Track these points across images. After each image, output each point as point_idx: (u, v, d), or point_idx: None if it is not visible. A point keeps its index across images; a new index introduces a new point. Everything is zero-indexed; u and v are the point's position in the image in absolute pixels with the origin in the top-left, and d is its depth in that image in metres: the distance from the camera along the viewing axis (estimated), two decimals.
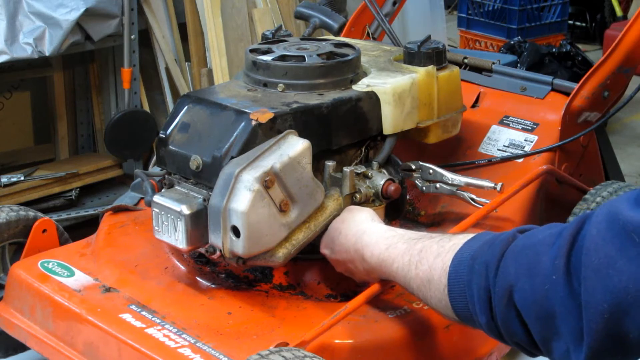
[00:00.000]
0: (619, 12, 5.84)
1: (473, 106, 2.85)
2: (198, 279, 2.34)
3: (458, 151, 2.78)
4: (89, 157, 3.90)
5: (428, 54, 2.49)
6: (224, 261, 2.24)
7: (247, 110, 2.18)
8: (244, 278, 2.36)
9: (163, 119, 3.81)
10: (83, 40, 3.49)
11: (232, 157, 2.12)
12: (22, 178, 3.49)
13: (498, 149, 2.73)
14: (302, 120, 2.23)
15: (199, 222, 2.14)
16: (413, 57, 2.50)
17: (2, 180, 3.44)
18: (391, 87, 2.38)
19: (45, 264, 2.42)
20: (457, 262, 1.68)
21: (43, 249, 2.51)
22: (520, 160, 2.67)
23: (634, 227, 1.28)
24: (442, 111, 2.52)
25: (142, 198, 2.66)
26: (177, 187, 2.26)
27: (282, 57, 2.40)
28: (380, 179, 2.29)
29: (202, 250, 2.20)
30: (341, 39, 2.82)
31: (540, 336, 1.47)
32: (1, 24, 3.25)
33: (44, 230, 2.53)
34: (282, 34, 2.70)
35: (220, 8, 3.91)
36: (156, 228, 2.22)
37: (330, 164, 2.26)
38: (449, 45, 4.74)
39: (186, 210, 2.13)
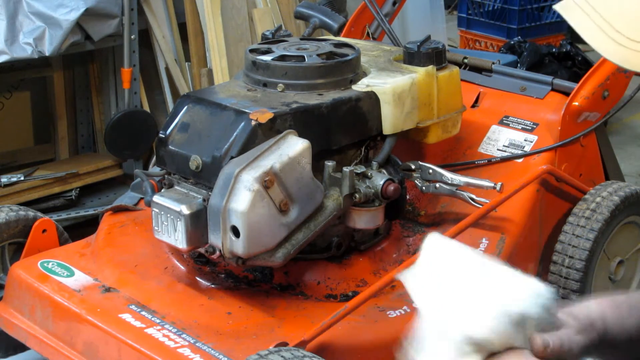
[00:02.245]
0: None
1: (473, 106, 2.85)
2: (198, 279, 2.34)
3: (458, 151, 2.78)
4: (89, 157, 3.90)
5: (428, 54, 2.48)
6: (223, 261, 2.24)
7: (246, 110, 2.18)
8: (243, 278, 2.36)
9: (163, 119, 3.81)
10: (83, 40, 3.49)
11: (232, 157, 2.12)
12: (22, 178, 3.49)
13: (498, 149, 2.73)
14: (302, 120, 2.23)
15: (198, 222, 2.14)
16: (413, 57, 2.50)
17: (2, 180, 3.44)
18: (391, 87, 2.38)
19: (45, 264, 2.42)
20: None
21: (43, 249, 2.51)
22: (520, 160, 2.67)
23: None
24: (442, 111, 2.51)
25: (142, 198, 2.66)
26: (176, 187, 2.26)
27: (282, 57, 2.39)
28: (380, 179, 2.29)
29: (201, 250, 2.20)
30: (341, 39, 2.82)
31: None
32: (1, 24, 3.24)
33: (44, 230, 2.53)
34: (282, 34, 2.69)
35: (220, 8, 3.91)
36: (156, 228, 2.22)
37: (329, 164, 2.26)
38: (449, 45, 4.74)
39: (186, 210, 2.13)
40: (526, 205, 2.55)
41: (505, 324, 1.06)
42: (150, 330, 2.13)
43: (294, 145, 2.12)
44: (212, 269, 2.38)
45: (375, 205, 2.29)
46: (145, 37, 3.86)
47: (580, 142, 2.73)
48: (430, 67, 2.48)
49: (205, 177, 2.18)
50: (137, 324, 2.15)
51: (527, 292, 1.09)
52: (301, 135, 2.16)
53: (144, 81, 3.85)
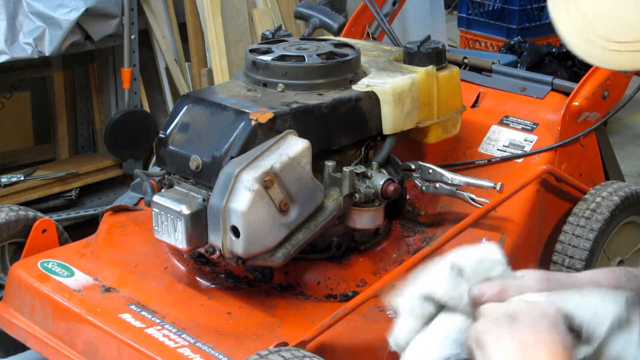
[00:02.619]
0: None
1: (473, 106, 2.85)
2: (198, 279, 2.34)
3: (458, 151, 2.78)
4: (89, 157, 3.90)
5: (428, 54, 2.48)
6: (223, 261, 2.24)
7: (246, 110, 2.18)
8: (243, 278, 2.36)
9: (163, 119, 3.81)
10: (83, 40, 3.49)
11: (232, 157, 2.12)
12: (22, 178, 3.49)
13: (498, 149, 2.73)
14: (302, 120, 2.23)
15: (198, 222, 2.14)
16: (413, 57, 2.50)
17: (2, 180, 3.44)
18: (391, 87, 2.38)
19: (45, 264, 2.42)
20: None
21: (43, 249, 2.51)
22: (520, 160, 2.67)
23: None
24: (442, 111, 2.51)
25: (142, 198, 2.66)
26: (176, 187, 2.26)
27: (282, 57, 2.39)
28: (380, 179, 2.29)
29: (201, 250, 2.20)
30: (341, 39, 2.82)
31: None
32: (1, 24, 3.25)
33: (44, 230, 2.53)
34: (282, 34, 2.69)
35: (220, 8, 3.91)
36: (156, 228, 2.22)
37: (329, 164, 2.26)
38: (449, 45, 4.74)
39: (186, 210, 2.13)
40: (526, 205, 2.55)
41: (448, 275, 1.13)
42: (150, 330, 2.13)
43: (294, 145, 2.12)
44: (212, 269, 2.38)
45: (375, 205, 2.29)
46: (145, 37, 3.86)
47: (580, 142, 2.73)
48: (430, 67, 2.48)
49: (205, 177, 2.18)
50: (137, 324, 2.15)
51: (469, 251, 1.16)
52: (301, 135, 2.16)
53: (144, 81, 3.85)
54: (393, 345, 1.17)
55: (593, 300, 1.10)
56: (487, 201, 2.42)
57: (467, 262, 1.15)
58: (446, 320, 1.14)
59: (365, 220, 2.31)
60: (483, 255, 1.16)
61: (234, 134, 2.15)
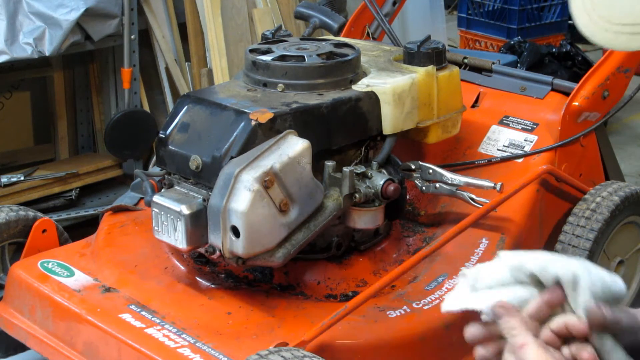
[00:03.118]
0: None
1: (473, 106, 2.85)
2: (198, 279, 2.34)
3: (458, 151, 2.78)
4: (89, 157, 3.90)
5: (428, 54, 2.48)
6: (223, 261, 2.24)
7: (246, 110, 2.18)
8: (243, 278, 2.36)
9: (163, 119, 3.81)
10: (83, 40, 3.49)
11: (232, 157, 2.11)
12: (22, 178, 3.49)
13: (498, 149, 2.73)
14: (302, 120, 2.23)
15: (198, 222, 2.14)
16: (413, 57, 2.50)
17: (2, 180, 3.44)
18: (391, 87, 2.38)
19: (45, 264, 2.42)
20: None
21: (43, 249, 2.51)
22: (520, 160, 2.67)
23: None
24: (442, 111, 2.51)
25: (142, 198, 2.66)
26: (176, 187, 2.26)
27: (282, 57, 2.39)
28: (380, 179, 2.29)
29: (201, 250, 2.20)
30: (341, 39, 2.82)
31: None
32: (1, 24, 3.25)
33: (44, 230, 2.53)
34: (282, 34, 2.69)
35: (220, 8, 3.91)
36: (156, 228, 2.22)
37: (329, 164, 2.25)
38: (449, 45, 4.74)
39: (186, 210, 2.13)
40: (526, 205, 2.55)
41: (563, 274, 1.13)
42: (150, 330, 2.13)
43: (294, 145, 2.12)
44: (212, 269, 2.38)
45: (375, 205, 2.29)
46: (145, 37, 3.86)
47: (580, 142, 2.73)
48: (430, 67, 2.48)
49: (205, 177, 2.18)
50: (137, 324, 2.16)
51: (596, 270, 1.14)
52: (301, 135, 2.16)
53: (144, 81, 3.85)
54: (465, 275, 1.20)
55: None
56: (487, 201, 2.42)
57: (583, 276, 1.12)
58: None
59: (365, 220, 2.31)
60: (608, 277, 1.15)
61: (234, 134, 2.15)
